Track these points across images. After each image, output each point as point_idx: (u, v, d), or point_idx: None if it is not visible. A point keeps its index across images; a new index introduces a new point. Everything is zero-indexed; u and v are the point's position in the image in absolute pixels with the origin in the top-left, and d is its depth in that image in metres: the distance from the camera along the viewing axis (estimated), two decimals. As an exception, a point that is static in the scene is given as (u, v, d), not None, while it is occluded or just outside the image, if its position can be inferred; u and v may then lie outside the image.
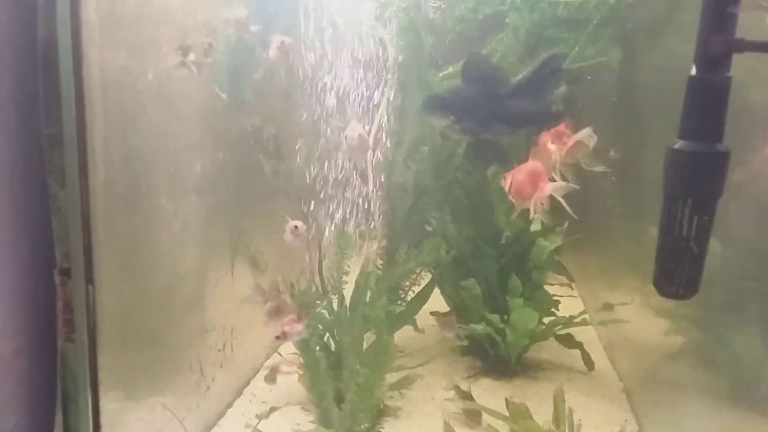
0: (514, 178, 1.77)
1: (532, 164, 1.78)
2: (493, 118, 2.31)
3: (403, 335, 2.59)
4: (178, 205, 1.95)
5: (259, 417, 2.05)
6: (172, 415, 1.85)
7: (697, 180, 1.30)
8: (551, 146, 1.85)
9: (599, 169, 1.84)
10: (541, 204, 1.76)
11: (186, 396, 2.00)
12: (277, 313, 1.87)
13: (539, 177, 1.75)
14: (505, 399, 1.99)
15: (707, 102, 1.29)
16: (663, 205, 1.33)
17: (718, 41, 1.26)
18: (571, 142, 1.80)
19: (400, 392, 2.44)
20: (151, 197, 1.80)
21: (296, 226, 1.93)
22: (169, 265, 1.94)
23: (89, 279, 1.50)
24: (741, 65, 1.25)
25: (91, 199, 1.48)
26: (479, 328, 2.52)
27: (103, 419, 1.60)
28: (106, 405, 1.61)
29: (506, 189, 1.80)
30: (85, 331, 1.52)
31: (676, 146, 1.30)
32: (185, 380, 2.01)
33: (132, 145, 1.69)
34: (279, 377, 2.07)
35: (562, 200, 1.74)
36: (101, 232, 1.52)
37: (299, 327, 1.78)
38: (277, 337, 1.76)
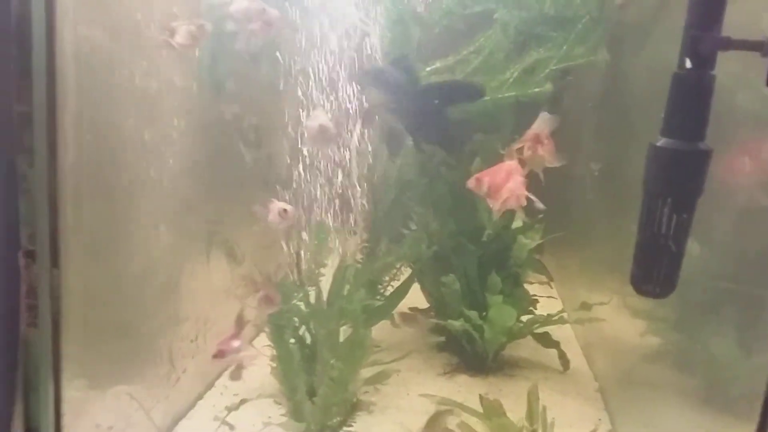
0: (491, 180, 1.73)
1: (508, 164, 1.75)
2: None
3: (380, 330, 2.57)
4: (152, 191, 1.90)
5: (229, 409, 2.01)
6: (139, 406, 1.80)
7: (677, 178, 1.30)
8: (529, 150, 1.84)
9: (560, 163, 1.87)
10: (525, 201, 1.74)
11: (155, 387, 1.96)
12: (267, 303, 1.82)
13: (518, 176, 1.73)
14: (480, 395, 1.98)
15: (690, 100, 1.28)
16: (642, 203, 1.32)
17: (704, 39, 1.25)
18: (545, 140, 1.79)
19: (375, 387, 2.42)
20: (123, 181, 1.75)
21: (285, 210, 1.85)
22: (142, 251, 1.89)
23: (54, 262, 1.45)
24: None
25: (59, 180, 1.43)
26: (457, 324, 2.51)
27: (65, 408, 1.55)
28: (69, 393, 1.56)
29: (481, 191, 1.75)
30: (49, 316, 1.47)
31: (658, 143, 1.30)
32: (155, 371, 1.96)
33: (105, 127, 1.64)
34: (246, 371, 2.00)
35: (532, 196, 1.72)
36: (69, 215, 1.47)
37: (236, 344, 1.72)
38: (214, 356, 1.71)
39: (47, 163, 1.40)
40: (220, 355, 1.72)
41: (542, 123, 1.86)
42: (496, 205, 1.76)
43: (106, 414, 1.75)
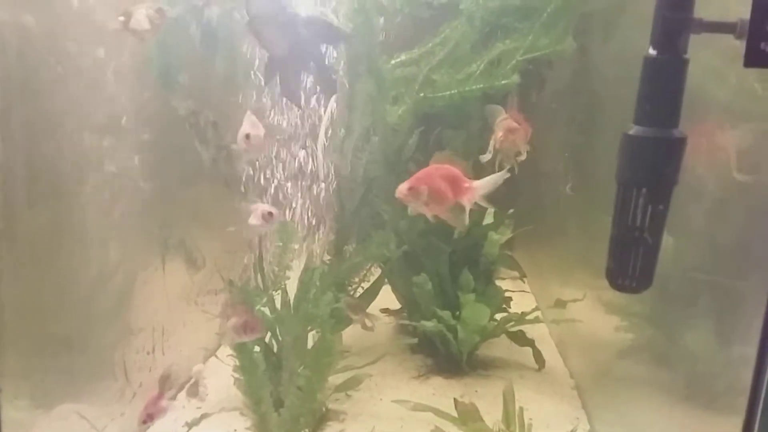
0: (430, 187, 1.56)
1: (443, 169, 1.58)
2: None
3: (350, 334, 2.47)
4: (101, 192, 1.78)
5: (189, 425, 1.89)
6: (90, 426, 1.68)
7: (652, 167, 1.25)
8: (508, 136, 1.78)
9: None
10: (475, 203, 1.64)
11: (108, 404, 1.83)
12: (245, 330, 1.69)
13: (460, 179, 1.59)
14: (454, 399, 1.90)
15: (663, 85, 1.23)
16: (616, 194, 1.27)
17: (676, 20, 1.20)
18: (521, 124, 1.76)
19: (346, 394, 2.33)
20: (67, 182, 1.62)
21: (271, 213, 1.70)
22: (90, 257, 1.77)
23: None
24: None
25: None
26: (430, 325, 2.44)
27: (6, 430, 1.42)
28: (9, 414, 1.43)
29: (418, 200, 1.54)
30: (-18, 331, 1.34)
31: (631, 132, 1.24)
32: (107, 386, 1.83)
33: (40, 120, 1.51)
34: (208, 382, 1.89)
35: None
36: (3, 218, 1.34)
37: (163, 404, 1.61)
38: (143, 422, 1.59)
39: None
40: (148, 419, 1.59)
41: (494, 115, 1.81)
42: (442, 213, 1.64)
43: (52, 436, 1.62)
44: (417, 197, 1.54)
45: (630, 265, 1.28)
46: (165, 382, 1.62)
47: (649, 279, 1.29)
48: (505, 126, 1.80)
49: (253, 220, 1.71)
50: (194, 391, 1.74)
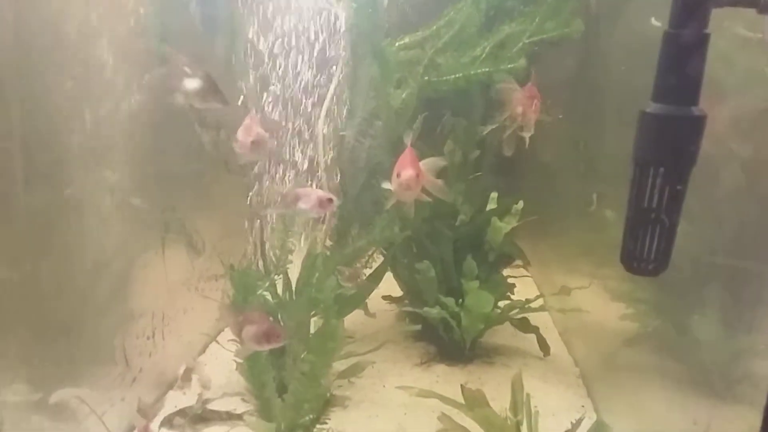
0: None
1: (411, 154, 1.62)
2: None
3: (353, 320, 2.45)
4: (100, 175, 1.73)
5: (191, 410, 1.86)
6: (90, 410, 1.64)
7: (670, 146, 1.21)
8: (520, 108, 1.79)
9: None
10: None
11: (108, 388, 1.80)
12: (266, 338, 1.64)
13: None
14: (461, 386, 1.87)
15: (682, 61, 1.19)
16: (632, 174, 1.23)
17: (696, -6, 1.16)
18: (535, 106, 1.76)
19: (349, 380, 2.30)
20: (61, 163, 1.58)
21: (330, 200, 1.65)
22: (88, 240, 1.72)
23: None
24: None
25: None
26: (434, 311, 2.41)
27: (4, 415, 1.39)
28: (8, 398, 1.40)
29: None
30: (-22, 314, 1.30)
31: (649, 109, 1.20)
32: (107, 371, 1.80)
33: (35, 101, 1.46)
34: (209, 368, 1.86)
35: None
36: (-2, 200, 1.30)
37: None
38: None
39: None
40: None
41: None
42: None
43: (52, 421, 1.58)
44: (419, 183, 1.59)
45: (646, 248, 1.25)
46: (148, 413, 1.61)
47: (666, 262, 1.26)
48: (523, 97, 1.81)
49: (305, 205, 1.65)
50: (188, 377, 1.70)
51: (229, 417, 1.93)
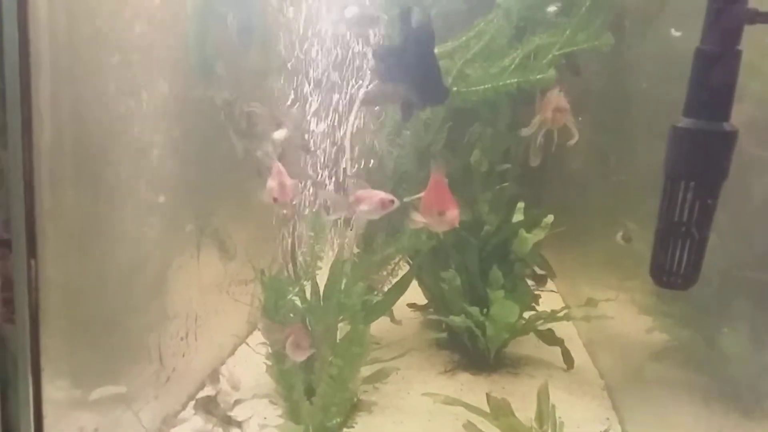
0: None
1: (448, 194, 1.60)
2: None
3: (379, 327, 2.48)
4: (138, 179, 1.80)
5: (221, 411, 1.90)
6: (126, 407, 1.70)
7: (701, 161, 1.22)
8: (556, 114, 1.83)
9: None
10: None
11: (143, 386, 1.85)
12: (298, 347, 1.71)
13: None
14: (486, 394, 1.89)
15: (714, 77, 1.21)
16: (663, 188, 1.25)
17: (729, 11, 1.18)
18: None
19: (374, 386, 2.33)
20: (107, 167, 1.65)
21: (392, 200, 1.67)
22: (127, 242, 1.79)
23: (32, 252, 1.34)
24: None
25: (35, 161, 1.32)
26: (458, 320, 2.42)
27: (46, 409, 1.45)
28: (50, 393, 1.46)
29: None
30: (27, 310, 1.36)
31: (680, 124, 1.22)
32: (142, 369, 1.86)
33: (85, 105, 1.53)
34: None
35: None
36: (46, 200, 1.36)
37: None
38: None
39: (21, 143, 1.29)
40: None
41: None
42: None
43: (91, 415, 1.64)
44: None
45: (676, 262, 1.26)
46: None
47: (696, 276, 1.27)
48: (554, 103, 1.84)
49: (367, 206, 1.67)
50: (215, 378, 1.75)
51: (227, 421, 1.90)
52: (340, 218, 2.18)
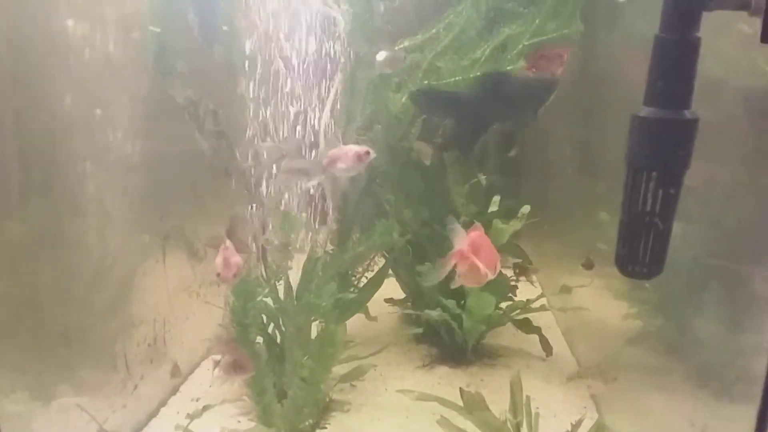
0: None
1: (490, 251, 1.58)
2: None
3: (355, 323, 2.45)
4: (100, 182, 1.74)
5: (191, 416, 1.87)
6: (91, 418, 1.66)
7: (663, 150, 1.21)
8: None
9: None
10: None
11: (109, 396, 1.81)
12: (234, 368, 1.67)
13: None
14: (460, 389, 1.87)
15: (674, 64, 1.19)
16: (626, 178, 1.23)
17: (687, -3, 1.16)
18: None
19: (351, 384, 2.31)
20: (65, 170, 1.59)
21: (368, 152, 1.65)
22: (90, 248, 1.74)
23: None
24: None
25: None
26: (435, 314, 2.41)
27: (3, 424, 1.40)
28: (8, 408, 1.42)
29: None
30: (-23, 324, 1.32)
31: (641, 113, 1.20)
32: (108, 378, 1.81)
33: (39, 110, 1.48)
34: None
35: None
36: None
37: None
38: None
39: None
40: None
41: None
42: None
43: (52, 429, 1.60)
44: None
45: (640, 251, 1.25)
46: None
47: (660, 265, 1.26)
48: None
49: (343, 164, 1.65)
50: (177, 372, 1.71)
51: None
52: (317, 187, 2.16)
